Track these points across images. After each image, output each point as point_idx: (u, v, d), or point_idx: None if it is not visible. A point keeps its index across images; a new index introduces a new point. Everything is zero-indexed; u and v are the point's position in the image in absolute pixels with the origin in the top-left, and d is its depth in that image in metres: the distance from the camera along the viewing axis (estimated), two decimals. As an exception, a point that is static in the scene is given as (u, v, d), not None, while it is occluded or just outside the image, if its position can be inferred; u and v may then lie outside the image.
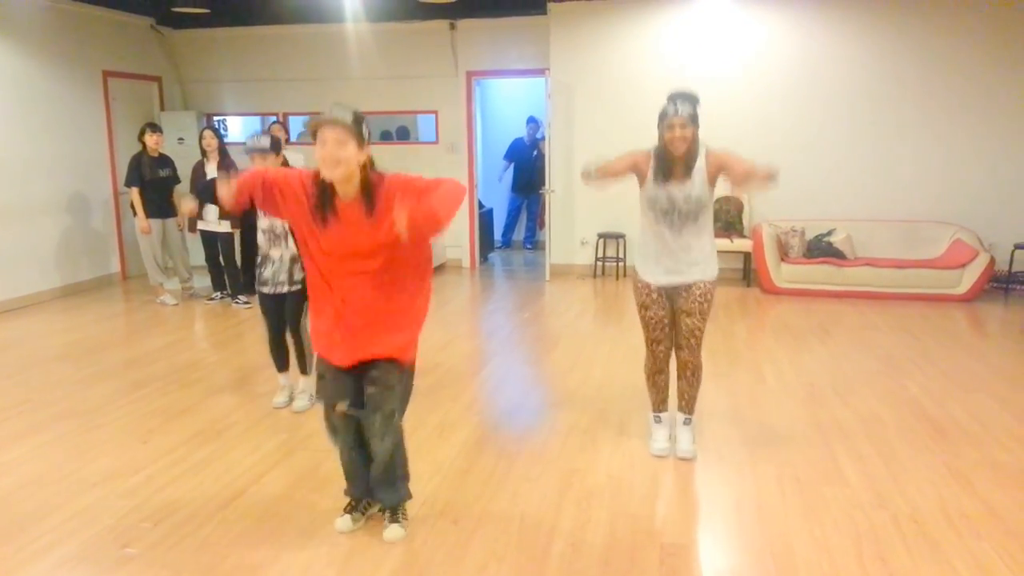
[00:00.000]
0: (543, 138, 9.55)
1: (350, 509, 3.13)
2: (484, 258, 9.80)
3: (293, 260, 4.23)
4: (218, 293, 7.45)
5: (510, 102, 10.81)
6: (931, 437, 3.99)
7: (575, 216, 8.79)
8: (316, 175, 2.79)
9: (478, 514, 3.19)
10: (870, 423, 4.18)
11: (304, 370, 4.48)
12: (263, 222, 4.26)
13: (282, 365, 4.53)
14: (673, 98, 3.49)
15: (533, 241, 10.82)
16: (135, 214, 7.23)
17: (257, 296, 4.43)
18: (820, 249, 7.57)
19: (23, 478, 3.57)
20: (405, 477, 3.11)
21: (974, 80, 7.64)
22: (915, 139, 7.86)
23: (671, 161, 3.52)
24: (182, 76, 9.68)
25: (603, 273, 8.69)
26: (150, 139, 7.21)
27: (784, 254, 7.63)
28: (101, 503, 3.30)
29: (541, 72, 8.56)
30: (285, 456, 3.79)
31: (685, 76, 8.07)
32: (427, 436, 4.02)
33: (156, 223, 7.25)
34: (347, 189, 2.76)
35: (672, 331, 3.77)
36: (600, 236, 8.58)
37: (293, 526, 3.10)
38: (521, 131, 10.37)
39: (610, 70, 8.40)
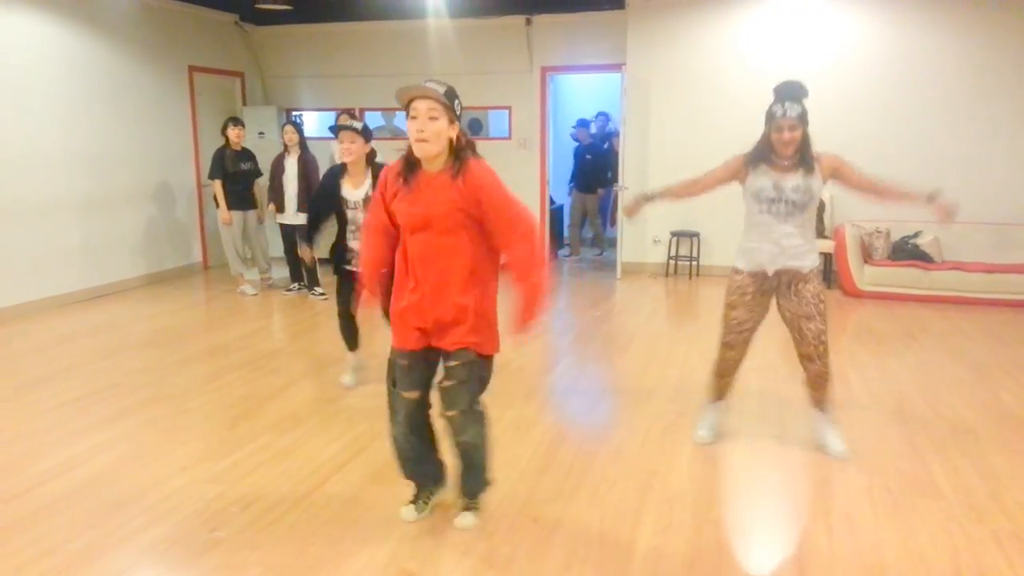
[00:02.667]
0: (615, 133, 9.46)
1: (414, 499, 3.14)
2: (553, 255, 9.76)
3: None
4: (296, 284, 7.60)
5: (581, 98, 10.75)
6: (1030, 451, 3.81)
7: (648, 214, 8.65)
8: (404, 156, 2.77)
9: (557, 513, 3.17)
10: (962, 433, 4.01)
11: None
12: (348, 214, 4.40)
13: (353, 344, 4.71)
14: (781, 97, 3.41)
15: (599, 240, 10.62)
16: (217, 206, 7.43)
17: (339, 275, 4.51)
18: (906, 251, 7.31)
19: (116, 459, 3.70)
20: (486, 466, 3.09)
21: (1076, 77, 7.26)
22: (1009, 138, 7.52)
23: (774, 152, 3.45)
24: (263, 72, 9.91)
25: (675, 272, 8.57)
26: (233, 133, 7.39)
27: (867, 256, 7.39)
28: (190, 486, 3.40)
29: (617, 68, 8.48)
30: (366, 446, 3.83)
31: (766, 73, 7.89)
32: (502, 434, 4.01)
33: (237, 215, 7.43)
34: (435, 165, 2.73)
35: (750, 340, 3.70)
36: (673, 234, 8.46)
37: (375, 517, 3.13)
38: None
39: (688, 67, 8.27)
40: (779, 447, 3.84)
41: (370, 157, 4.49)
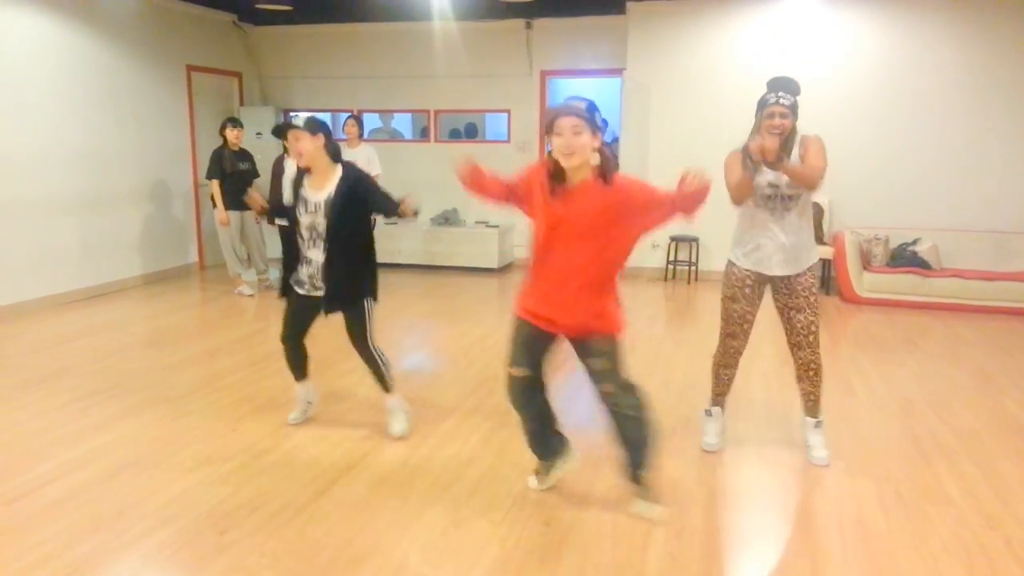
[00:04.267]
0: (616, 139, 9.46)
1: (536, 471, 3.41)
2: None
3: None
4: None
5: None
6: (1037, 458, 3.81)
7: (647, 218, 8.66)
8: (548, 164, 2.97)
9: (569, 518, 3.14)
10: (969, 440, 4.02)
11: (388, 388, 4.00)
12: (305, 219, 3.71)
13: (300, 373, 4.10)
14: (774, 87, 3.44)
15: None
16: (215, 206, 7.38)
17: (287, 297, 3.91)
18: (904, 258, 7.33)
19: (119, 462, 3.65)
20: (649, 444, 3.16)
21: (1074, 86, 7.31)
22: (1006, 146, 7.56)
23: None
24: (261, 72, 9.86)
25: (674, 277, 8.57)
26: (231, 133, 7.35)
27: (867, 262, 7.41)
28: (197, 489, 3.36)
29: (617, 72, 8.48)
30: (373, 448, 3.80)
31: (765, 79, 7.89)
32: (509, 437, 3.98)
33: (235, 215, 7.39)
34: (580, 175, 2.92)
35: (750, 330, 3.71)
36: (672, 239, 8.46)
37: (385, 520, 3.10)
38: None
39: (688, 72, 8.28)
40: (787, 453, 3.83)
41: (334, 153, 3.76)
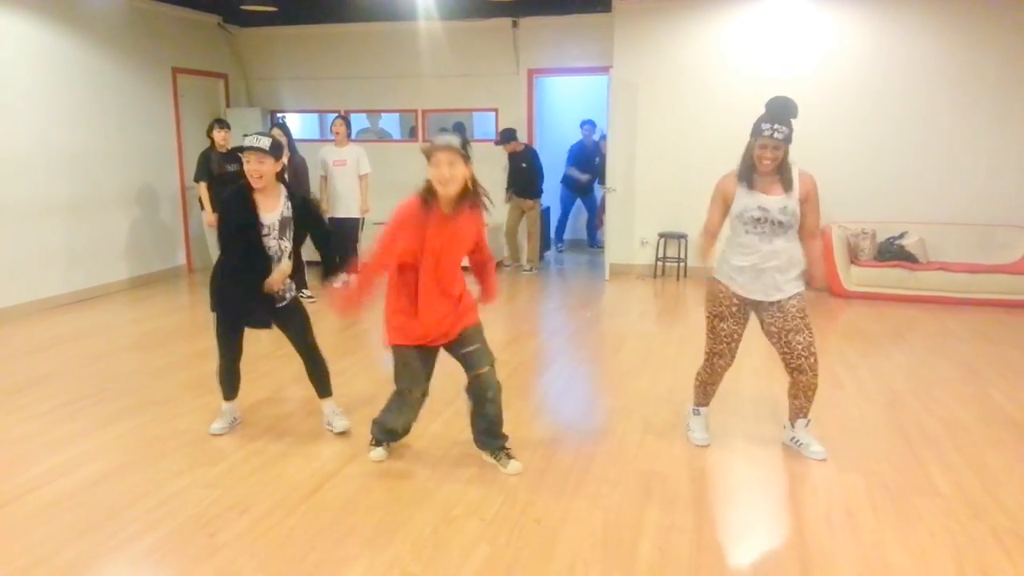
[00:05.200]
0: (603, 138, 9.48)
1: (377, 443, 3.72)
2: (541, 256, 9.75)
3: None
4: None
5: (567, 100, 10.75)
6: (1022, 447, 3.84)
7: (635, 216, 8.70)
8: (425, 192, 3.25)
9: (560, 515, 3.15)
10: (956, 431, 4.05)
11: (329, 391, 4.10)
12: (270, 242, 3.73)
13: (232, 392, 4.09)
14: (771, 116, 3.38)
15: (596, 240, 10.73)
16: (203, 208, 7.35)
17: (228, 319, 3.93)
18: (891, 252, 7.37)
19: (107, 465, 3.63)
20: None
21: (1056, 79, 7.37)
22: (991, 140, 7.60)
23: (755, 169, 3.46)
24: (247, 73, 9.82)
25: (663, 273, 8.59)
26: (218, 135, 7.31)
27: (854, 256, 7.45)
28: (186, 492, 3.35)
29: (603, 70, 8.48)
30: (362, 449, 3.79)
31: (751, 76, 7.94)
32: (501, 434, 3.99)
33: (223, 217, 7.34)
34: (454, 203, 3.25)
35: (737, 349, 3.71)
36: (661, 236, 8.48)
37: (375, 520, 3.10)
38: (578, 131, 10.30)
39: (675, 69, 8.29)
40: (775, 448, 3.85)
41: (280, 175, 3.81)
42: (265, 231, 3.70)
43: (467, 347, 3.47)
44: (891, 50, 7.70)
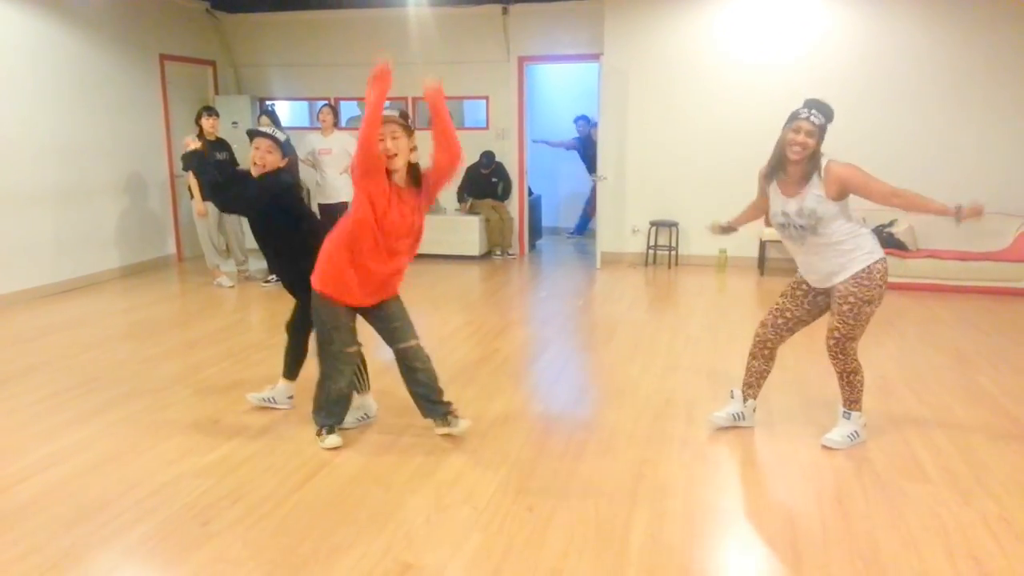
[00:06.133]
0: (595, 126, 9.46)
1: (329, 430, 3.74)
2: (532, 245, 9.75)
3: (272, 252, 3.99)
4: (274, 276, 7.50)
5: (558, 89, 10.72)
6: (1010, 434, 3.87)
7: (626, 204, 8.70)
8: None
9: (552, 503, 3.16)
10: (945, 418, 4.08)
11: (291, 376, 4.16)
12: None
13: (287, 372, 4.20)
14: (809, 104, 3.42)
15: (584, 230, 10.72)
16: (192, 197, 7.31)
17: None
18: (881, 240, 7.37)
19: (99, 455, 3.62)
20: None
21: (1046, 67, 7.39)
22: (980, 129, 7.64)
23: (784, 165, 3.45)
24: (236, 60, 9.75)
25: (654, 261, 8.60)
26: (207, 123, 7.27)
27: (843, 244, 7.46)
28: (178, 481, 3.34)
29: (594, 57, 8.47)
30: (355, 437, 3.80)
31: (742, 63, 7.94)
32: (492, 423, 4.00)
33: (212, 206, 7.31)
34: (400, 176, 3.38)
35: (784, 327, 3.76)
36: (652, 224, 8.48)
37: (368, 509, 3.10)
38: (568, 117, 10.27)
39: (665, 56, 8.28)
40: (767, 433, 3.87)
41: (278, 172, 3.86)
42: None
43: (392, 322, 3.62)
44: (881, 38, 7.70)
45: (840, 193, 3.43)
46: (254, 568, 2.69)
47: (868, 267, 3.46)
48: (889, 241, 7.35)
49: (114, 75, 7.91)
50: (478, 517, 3.04)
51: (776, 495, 3.27)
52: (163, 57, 8.60)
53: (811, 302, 3.68)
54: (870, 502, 3.16)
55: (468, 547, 2.83)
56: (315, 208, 7.68)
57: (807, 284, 3.67)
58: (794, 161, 3.42)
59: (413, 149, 3.39)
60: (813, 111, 3.39)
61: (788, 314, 3.72)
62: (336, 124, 7.69)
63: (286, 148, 3.86)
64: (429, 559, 2.75)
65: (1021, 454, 3.62)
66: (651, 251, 8.56)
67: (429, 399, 3.72)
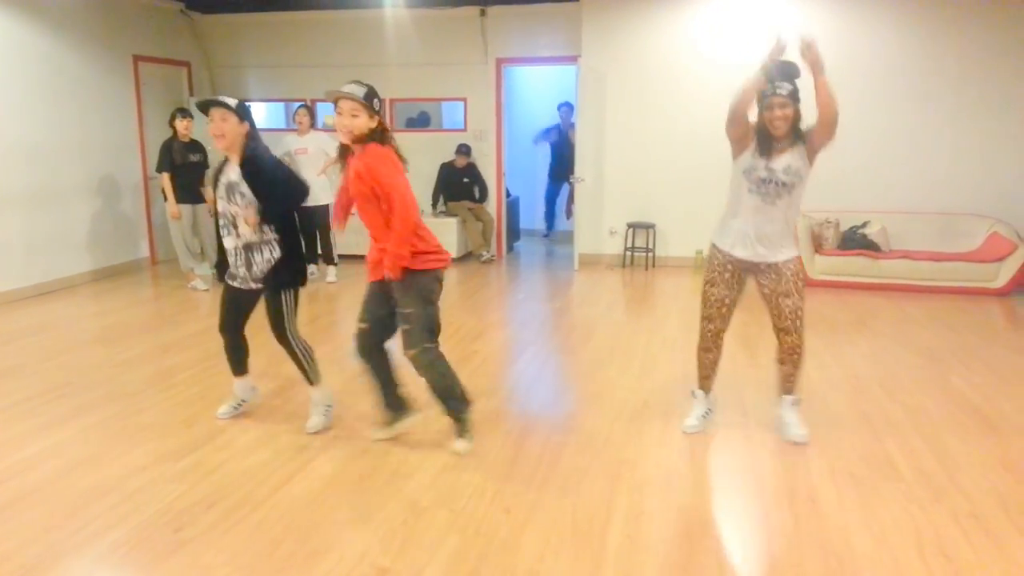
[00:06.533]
0: (573, 126, 9.48)
1: (379, 422, 3.79)
2: (510, 247, 9.75)
3: (248, 249, 3.73)
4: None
5: (537, 90, 10.74)
6: (981, 432, 3.93)
7: (604, 205, 8.73)
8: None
9: (529, 505, 3.16)
10: (918, 417, 4.13)
11: (312, 380, 3.96)
12: (220, 205, 3.72)
13: (237, 368, 4.08)
14: (771, 76, 3.43)
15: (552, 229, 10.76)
16: (166, 199, 7.23)
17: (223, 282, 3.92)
18: (855, 241, 7.48)
19: (72, 460, 3.57)
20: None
21: (1012, 71, 7.51)
22: (952, 131, 7.74)
23: (771, 140, 3.49)
24: (211, 61, 9.67)
25: (632, 263, 8.64)
26: (181, 124, 7.20)
27: (818, 246, 7.55)
28: (151, 486, 3.30)
29: (572, 59, 8.49)
30: (330, 442, 3.78)
31: (719, 65, 7.99)
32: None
33: (187, 208, 7.25)
34: (356, 150, 3.40)
35: (729, 315, 3.78)
36: (629, 226, 8.52)
37: (344, 513, 3.09)
38: (547, 120, 10.29)
39: (643, 58, 8.32)
40: (742, 433, 3.90)
41: (247, 140, 3.70)
42: (221, 192, 3.70)
43: (399, 320, 3.51)
44: (854, 42, 7.79)
45: (813, 147, 3.53)
46: (228, 574, 2.66)
47: (797, 252, 3.70)
48: (862, 242, 7.44)
49: (86, 76, 7.81)
50: (455, 520, 3.03)
51: (751, 494, 3.29)
52: (136, 58, 8.50)
53: (739, 281, 3.73)
54: (843, 500, 3.19)
55: (445, 550, 2.82)
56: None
57: (731, 264, 3.67)
58: (781, 135, 3.47)
59: (374, 131, 3.37)
60: (776, 83, 3.41)
61: (728, 300, 3.75)
62: (312, 125, 7.65)
63: (241, 111, 3.64)
64: (406, 562, 2.74)
65: (991, 452, 3.68)
66: (628, 253, 8.60)
67: (436, 400, 3.71)
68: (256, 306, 3.91)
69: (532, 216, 10.96)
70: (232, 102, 3.65)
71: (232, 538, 2.89)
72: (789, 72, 3.45)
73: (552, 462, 3.57)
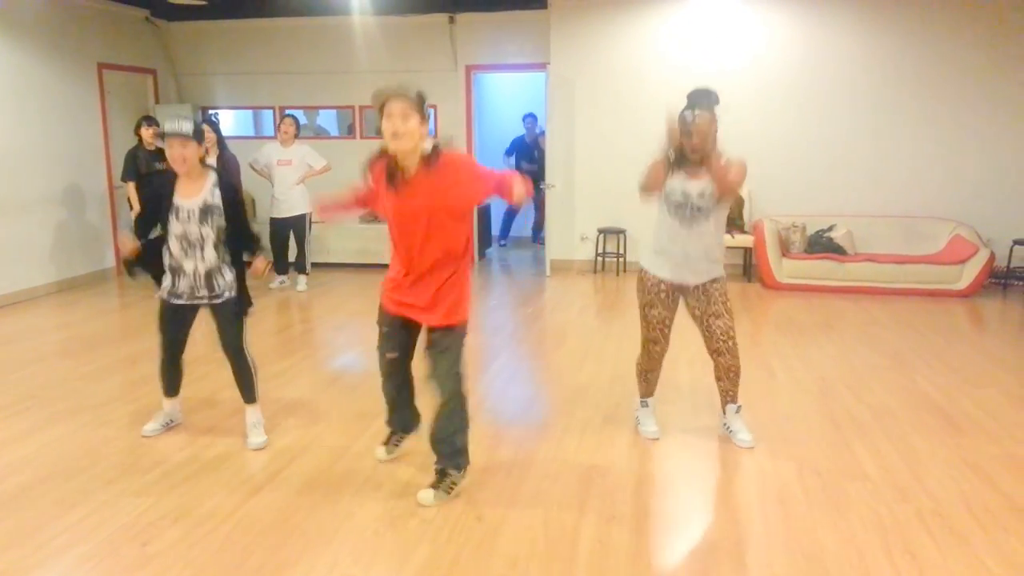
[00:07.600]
0: (542, 133, 9.52)
1: (386, 441, 3.65)
2: (482, 254, 9.76)
3: (211, 272, 3.69)
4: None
5: (506, 97, 10.77)
6: (945, 431, 4.00)
7: (575, 212, 8.77)
8: (381, 152, 3.05)
9: (501, 512, 3.16)
10: (884, 417, 4.19)
11: (251, 398, 3.93)
12: (176, 227, 3.63)
13: (172, 389, 4.04)
14: (691, 103, 3.49)
15: (540, 237, 10.77)
16: (131, 208, 7.14)
17: (161, 307, 3.82)
18: (821, 244, 7.59)
19: (36, 475, 3.51)
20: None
21: (972, 76, 7.68)
22: (913, 135, 7.89)
23: (685, 160, 3.55)
24: (177, 69, 9.57)
25: (603, 269, 8.68)
26: (146, 133, 7.12)
27: (785, 249, 7.64)
28: (118, 500, 3.25)
29: (541, 67, 8.53)
30: (299, 454, 3.74)
31: (686, 71, 8.07)
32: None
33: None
34: (410, 161, 2.98)
35: (669, 334, 3.82)
36: (600, 231, 8.56)
37: (314, 524, 3.06)
38: (517, 127, 10.32)
39: (611, 65, 8.38)
40: (711, 438, 3.93)
41: (203, 160, 3.71)
42: (185, 215, 3.63)
43: (433, 364, 3.20)
44: (819, 49, 7.92)
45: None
46: (196, 588, 2.63)
47: (724, 273, 3.73)
48: (828, 245, 7.55)
49: (50, 84, 7.69)
50: (426, 529, 3.02)
51: (721, 498, 3.32)
52: (101, 66, 8.39)
53: (673, 300, 3.77)
54: (811, 502, 3.23)
55: (416, 559, 2.81)
56: (266, 222, 7.59)
57: (663, 284, 3.71)
58: (695, 160, 3.52)
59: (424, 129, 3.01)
60: (696, 110, 3.46)
61: (668, 321, 3.80)
62: (297, 135, 7.62)
63: (198, 135, 3.60)
64: (377, 572, 2.73)
65: (955, 451, 3.74)
66: (600, 258, 8.64)
67: (431, 443, 3.36)
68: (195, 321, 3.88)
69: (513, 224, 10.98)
70: (189, 128, 3.58)
71: (199, 551, 2.86)
72: (705, 99, 3.49)
73: (524, 468, 3.57)
